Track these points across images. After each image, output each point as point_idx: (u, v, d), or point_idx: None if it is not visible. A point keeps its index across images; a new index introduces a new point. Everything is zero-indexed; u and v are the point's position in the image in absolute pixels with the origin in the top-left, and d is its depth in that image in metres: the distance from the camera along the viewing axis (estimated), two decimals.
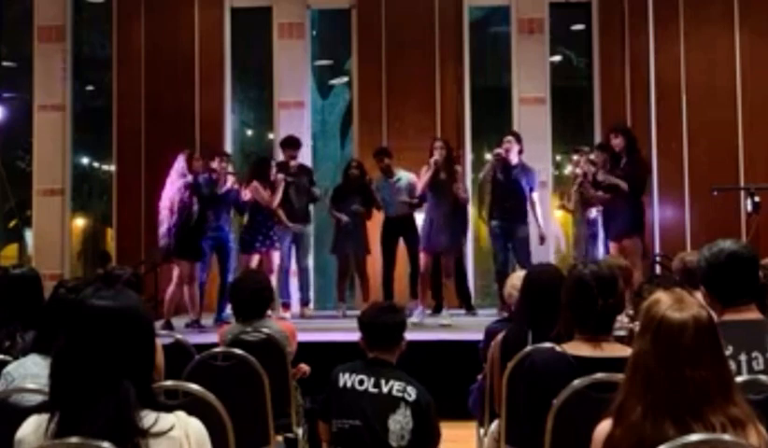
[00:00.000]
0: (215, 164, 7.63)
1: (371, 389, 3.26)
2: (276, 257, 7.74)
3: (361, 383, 3.28)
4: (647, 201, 9.06)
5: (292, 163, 8.20)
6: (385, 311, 3.51)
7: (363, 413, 3.22)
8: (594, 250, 7.96)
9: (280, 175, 7.83)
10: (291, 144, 8.32)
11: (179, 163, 7.27)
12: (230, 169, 7.75)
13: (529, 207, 7.72)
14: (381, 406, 3.23)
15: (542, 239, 7.83)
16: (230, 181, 7.59)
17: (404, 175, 8.15)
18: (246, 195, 7.64)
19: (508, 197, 7.61)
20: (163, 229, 7.23)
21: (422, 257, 7.48)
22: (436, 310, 7.89)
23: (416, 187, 7.75)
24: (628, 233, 7.08)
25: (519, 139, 7.73)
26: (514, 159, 7.65)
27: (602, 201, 7.47)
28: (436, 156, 7.27)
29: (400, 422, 3.22)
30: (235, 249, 7.84)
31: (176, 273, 7.29)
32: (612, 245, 7.25)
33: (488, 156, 10.91)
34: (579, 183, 7.86)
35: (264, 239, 7.67)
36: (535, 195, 7.75)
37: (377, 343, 3.40)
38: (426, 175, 7.31)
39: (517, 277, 4.15)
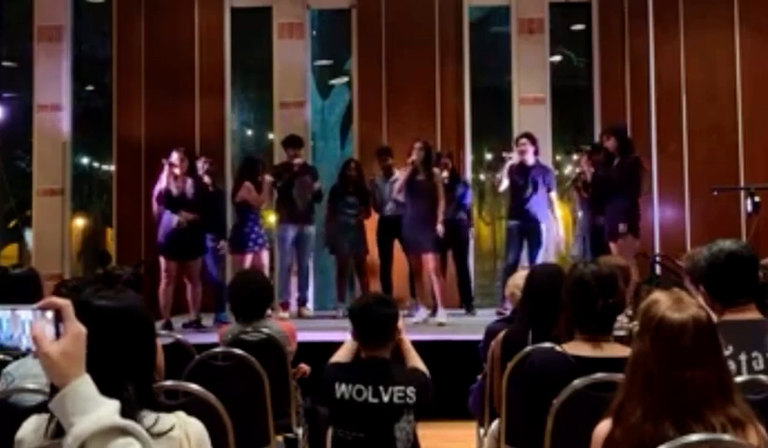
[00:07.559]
0: (199, 164, 7.77)
1: (371, 399, 3.11)
2: (265, 257, 7.75)
3: (359, 393, 3.12)
4: (647, 200, 9.08)
5: (297, 160, 8.18)
6: (376, 302, 3.32)
7: (367, 425, 3.12)
8: (592, 249, 7.96)
9: (268, 177, 7.88)
10: (293, 143, 8.33)
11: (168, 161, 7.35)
12: (207, 168, 7.83)
13: (548, 207, 7.82)
14: (385, 417, 3.11)
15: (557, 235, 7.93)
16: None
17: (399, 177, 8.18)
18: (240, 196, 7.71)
19: (527, 198, 7.70)
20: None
21: (409, 258, 7.49)
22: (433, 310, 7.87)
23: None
24: (621, 233, 7.08)
25: (533, 140, 7.86)
26: (530, 160, 7.76)
27: (588, 201, 7.63)
28: (414, 156, 7.31)
29: (405, 428, 3.13)
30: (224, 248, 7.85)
31: (163, 271, 7.37)
32: (611, 245, 7.25)
33: (488, 156, 10.92)
34: (573, 180, 7.92)
35: (257, 238, 7.69)
36: (553, 195, 7.88)
37: (370, 337, 3.25)
38: (403, 175, 7.37)
39: (520, 277, 4.14)
